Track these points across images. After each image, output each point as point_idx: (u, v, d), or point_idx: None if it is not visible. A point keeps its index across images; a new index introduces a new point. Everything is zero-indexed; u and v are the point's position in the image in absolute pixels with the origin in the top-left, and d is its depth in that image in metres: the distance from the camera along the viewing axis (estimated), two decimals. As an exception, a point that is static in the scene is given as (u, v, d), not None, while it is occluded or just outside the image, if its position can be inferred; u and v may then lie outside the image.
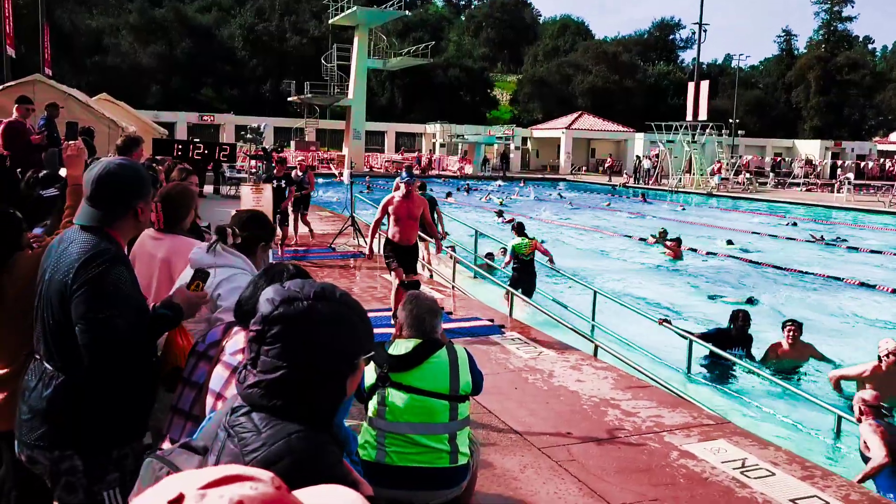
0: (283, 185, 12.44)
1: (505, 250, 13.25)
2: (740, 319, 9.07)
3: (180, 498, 0.80)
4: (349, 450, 2.25)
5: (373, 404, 3.28)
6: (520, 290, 10.23)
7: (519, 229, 11.23)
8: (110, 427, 2.54)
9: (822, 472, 5.07)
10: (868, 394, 6.07)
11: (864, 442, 5.69)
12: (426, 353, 3.25)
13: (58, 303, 2.47)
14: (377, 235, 8.96)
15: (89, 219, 2.53)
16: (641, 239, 20.24)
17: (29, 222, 3.16)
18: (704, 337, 8.61)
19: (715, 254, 18.27)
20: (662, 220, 23.81)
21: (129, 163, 2.72)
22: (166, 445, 2.36)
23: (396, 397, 3.21)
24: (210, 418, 1.75)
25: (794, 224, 25.44)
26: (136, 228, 2.70)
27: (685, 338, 8.27)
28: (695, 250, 18.46)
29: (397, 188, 8.43)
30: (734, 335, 8.95)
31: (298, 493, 0.96)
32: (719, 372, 8.66)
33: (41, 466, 2.55)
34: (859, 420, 5.87)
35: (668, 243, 18.10)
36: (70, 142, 3.70)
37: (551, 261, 11.30)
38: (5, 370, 2.88)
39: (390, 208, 8.05)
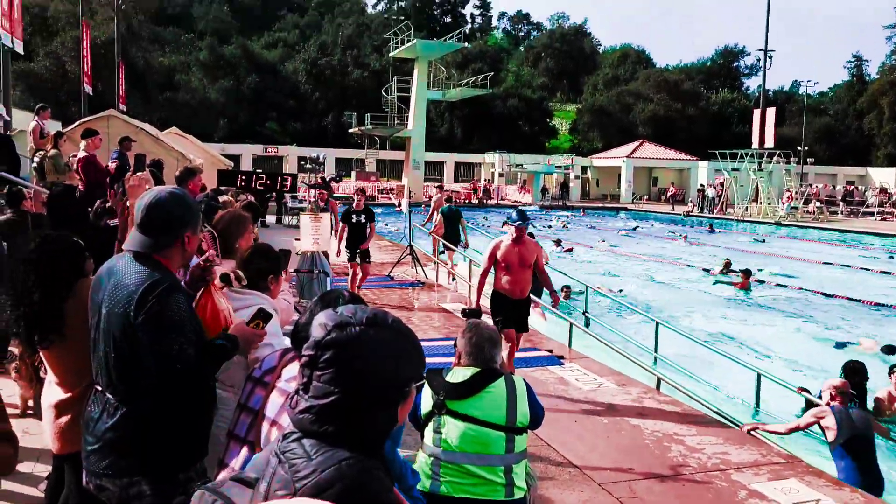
0: (364, 221, 10.87)
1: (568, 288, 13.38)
2: (854, 374, 7.60)
3: None
4: (409, 485, 2.22)
5: (428, 432, 3.24)
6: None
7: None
8: (175, 452, 2.58)
9: (904, 517, 4.78)
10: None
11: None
12: (484, 383, 3.20)
13: (121, 335, 2.50)
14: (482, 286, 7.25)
15: (138, 245, 2.59)
16: (705, 270, 19.76)
17: (94, 251, 3.24)
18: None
19: (785, 286, 17.67)
20: (732, 251, 23.14)
21: (178, 192, 2.78)
22: (223, 473, 2.36)
23: (452, 426, 3.16)
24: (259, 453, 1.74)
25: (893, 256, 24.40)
26: (184, 257, 2.73)
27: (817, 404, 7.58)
28: (762, 282, 17.90)
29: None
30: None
31: None
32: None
33: (109, 493, 2.58)
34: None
35: (737, 275, 17.60)
36: (137, 174, 3.83)
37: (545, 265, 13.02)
38: (68, 394, 2.95)
39: (498, 254, 6.79)
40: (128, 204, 3.30)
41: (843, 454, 5.82)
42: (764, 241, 28.67)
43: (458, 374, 3.24)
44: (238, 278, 3.13)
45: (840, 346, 11.76)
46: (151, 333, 2.47)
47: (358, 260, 10.92)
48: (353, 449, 1.47)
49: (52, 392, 3.00)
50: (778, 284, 17.79)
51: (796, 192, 39.48)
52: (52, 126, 14.12)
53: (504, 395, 3.20)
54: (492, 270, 6.96)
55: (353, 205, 11.06)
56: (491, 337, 3.34)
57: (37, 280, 2.87)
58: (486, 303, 7.13)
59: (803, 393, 7.52)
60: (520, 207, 6.85)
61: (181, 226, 2.64)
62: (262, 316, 2.85)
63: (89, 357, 2.77)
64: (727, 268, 18.65)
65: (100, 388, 2.59)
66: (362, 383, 1.49)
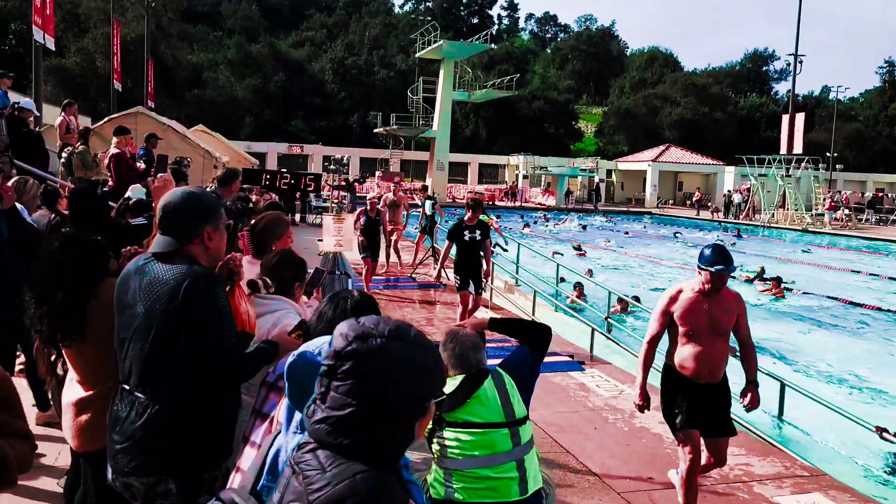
0: (479, 238, 8.84)
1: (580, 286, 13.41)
2: None
3: None
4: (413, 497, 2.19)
5: (434, 447, 3.20)
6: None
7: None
8: (204, 450, 2.59)
9: (932, 536, 4.67)
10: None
11: None
12: (473, 386, 3.15)
13: (164, 331, 2.50)
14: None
15: (162, 246, 2.61)
16: (732, 277, 19.53)
17: (116, 250, 3.26)
18: None
19: (812, 293, 17.42)
20: (765, 259, 22.84)
21: (193, 191, 2.79)
22: (236, 477, 2.35)
23: (455, 436, 3.12)
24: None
25: None
26: (207, 254, 2.72)
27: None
28: (790, 290, 17.65)
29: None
30: None
31: None
32: None
33: (135, 489, 2.59)
34: None
35: (767, 282, 17.38)
36: (160, 174, 3.86)
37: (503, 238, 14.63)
38: (89, 393, 2.95)
39: (676, 311, 4.46)
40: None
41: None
42: (809, 251, 27.56)
43: (449, 386, 3.19)
44: (266, 285, 3.13)
45: None
46: (206, 328, 2.50)
47: (471, 289, 8.92)
48: (368, 462, 1.45)
49: (73, 390, 3.01)
50: (804, 293, 17.55)
51: (823, 199, 38.84)
52: (81, 122, 14.28)
53: (495, 392, 3.15)
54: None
55: (465, 219, 8.84)
56: (473, 344, 3.27)
57: (60, 280, 2.88)
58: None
59: (883, 434, 7.02)
60: (716, 241, 4.19)
61: (198, 222, 2.65)
62: (304, 327, 2.88)
63: (111, 356, 2.78)
64: (760, 276, 18.39)
65: (127, 388, 2.59)
66: (381, 397, 1.46)
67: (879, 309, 15.68)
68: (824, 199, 38.06)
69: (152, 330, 2.50)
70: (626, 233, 31.90)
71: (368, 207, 11.87)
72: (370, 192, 18.62)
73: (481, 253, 8.96)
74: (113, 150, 9.85)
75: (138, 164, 10.62)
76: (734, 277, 19.18)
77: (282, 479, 1.56)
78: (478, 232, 8.76)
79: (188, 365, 2.52)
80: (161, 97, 41.73)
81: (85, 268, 2.92)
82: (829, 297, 16.91)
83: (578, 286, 13.61)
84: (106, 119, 17.34)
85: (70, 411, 2.99)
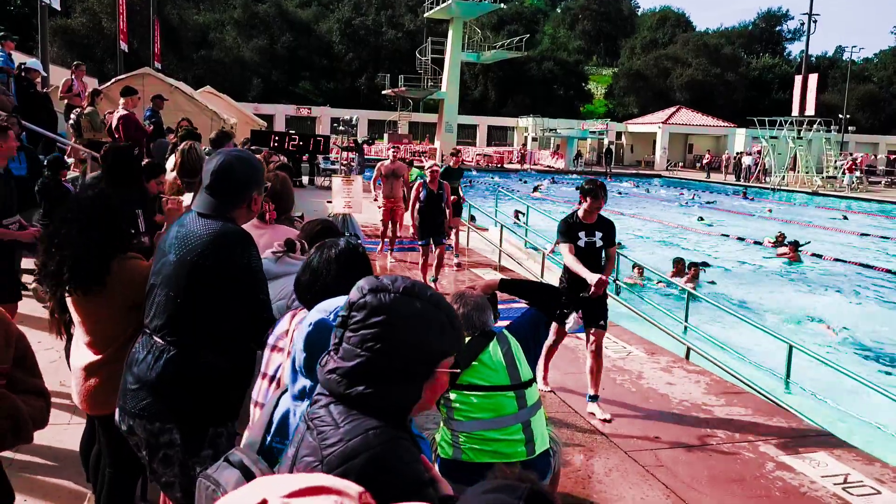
0: (599, 244, 5.84)
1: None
2: None
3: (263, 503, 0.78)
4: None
5: (441, 408, 3.24)
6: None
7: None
8: (213, 405, 2.62)
9: (936, 494, 4.71)
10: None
11: None
12: (478, 349, 3.16)
13: (191, 282, 2.55)
14: None
15: (207, 207, 2.63)
16: (740, 238, 19.46)
17: (145, 212, 3.31)
18: None
19: (820, 256, 17.36)
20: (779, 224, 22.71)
21: (245, 155, 2.80)
22: (245, 435, 2.38)
23: (461, 398, 3.14)
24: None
25: None
26: (248, 217, 2.79)
27: None
28: (800, 251, 17.60)
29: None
30: None
31: None
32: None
33: (138, 438, 2.63)
34: None
35: (785, 246, 17.33)
36: (171, 197, 3.93)
37: None
38: (98, 357, 2.98)
39: None
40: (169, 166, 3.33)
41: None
42: (846, 218, 26.64)
43: None
44: (303, 248, 3.13)
45: None
46: (243, 283, 2.58)
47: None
48: (379, 417, 1.47)
49: (82, 354, 3.02)
50: (814, 254, 17.50)
51: (835, 161, 38.41)
52: (88, 83, 14.21)
53: (500, 355, 3.17)
54: None
55: (580, 214, 5.87)
56: (478, 305, 3.27)
57: (87, 228, 2.84)
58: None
59: None
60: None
61: (248, 188, 2.69)
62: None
63: (120, 322, 2.81)
64: (781, 241, 18.32)
65: (148, 332, 2.64)
66: (390, 350, 1.48)
67: (889, 271, 15.63)
68: (836, 162, 37.67)
69: (180, 280, 2.55)
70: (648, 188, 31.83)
71: (429, 179, 9.50)
72: (424, 162, 17.67)
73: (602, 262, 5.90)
74: (121, 112, 9.82)
75: (146, 125, 10.59)
76: (742, 239, 19.08)
77: (296, 435, 1.59)
78: (598, 234, 5.82)
79: (212, 318, 2.57)
80: (168, 58, 41.44)
81: (117, 224, 2.93)
82: (836, 260, 16.86)
83: (639, 267, 12.83)
84: (113, 80, 17.24)
85: (79, 375, 3.00)
